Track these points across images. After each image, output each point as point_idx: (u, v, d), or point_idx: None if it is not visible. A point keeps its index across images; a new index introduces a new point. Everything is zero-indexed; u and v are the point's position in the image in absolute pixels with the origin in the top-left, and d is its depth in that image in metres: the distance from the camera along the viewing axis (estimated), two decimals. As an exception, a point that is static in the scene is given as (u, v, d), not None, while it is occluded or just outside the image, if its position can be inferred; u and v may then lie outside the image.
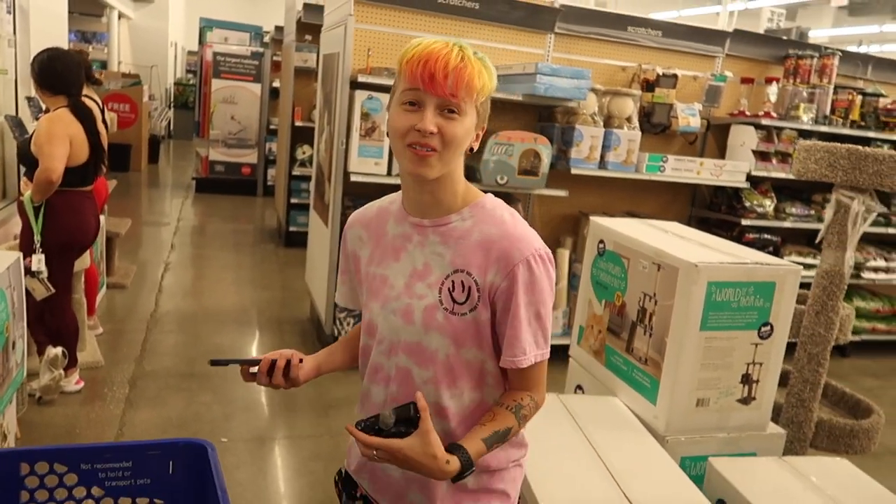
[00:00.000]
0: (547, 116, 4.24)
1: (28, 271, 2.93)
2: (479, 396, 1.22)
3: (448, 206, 1.18)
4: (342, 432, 3.08)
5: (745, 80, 4.63)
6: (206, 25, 9.93)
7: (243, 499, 2.70)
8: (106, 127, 3.58)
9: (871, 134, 4.78)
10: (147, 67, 13.30)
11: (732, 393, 2.12)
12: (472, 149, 1.17)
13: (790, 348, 2.26)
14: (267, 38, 10.03)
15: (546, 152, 3.87)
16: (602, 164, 4.08)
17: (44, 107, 3.35)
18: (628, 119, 4.16)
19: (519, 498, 1.33)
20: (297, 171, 6.65)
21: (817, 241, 2.45)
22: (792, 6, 16.34)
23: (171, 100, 14.59)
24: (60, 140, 3.00)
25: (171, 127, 14.53)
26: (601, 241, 2.43)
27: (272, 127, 8.78)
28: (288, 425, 3.30)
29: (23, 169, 3.38)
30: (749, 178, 4.42)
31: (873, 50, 14.59)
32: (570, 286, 4.20)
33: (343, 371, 1.40)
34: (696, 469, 2.07)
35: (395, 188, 1.30)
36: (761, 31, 8.77)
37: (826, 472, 2.00)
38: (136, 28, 14.68)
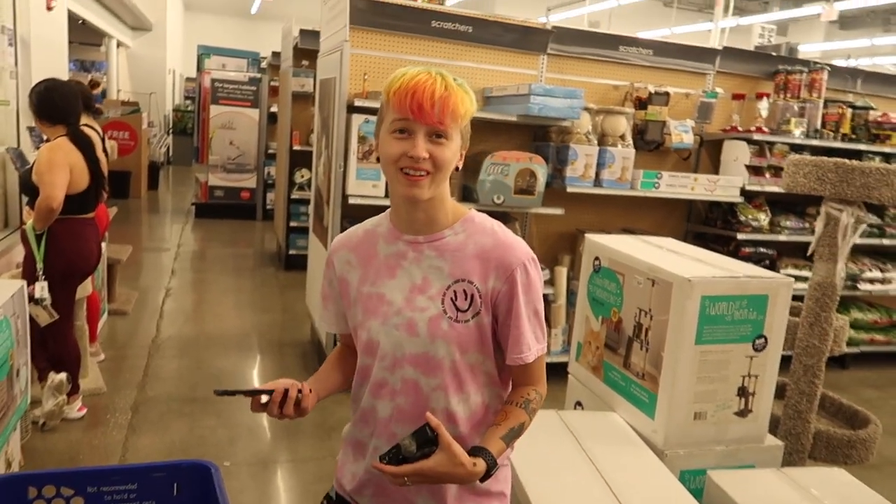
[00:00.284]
0: (542, 136, 4.30)
1: (31, 298, 2.96)
2: (482, 398, 1.30)
3: (441, 223, 1.27)
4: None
5: (736, 97, 4.70)
6: (204, 52, 10.06)
7: (247, 522, 2.71)
8: (106, 155, 3.64)
9: (862, 147, 4.84)
10: (146, 95, 13.44)
11: (729, 406, 2.14)
12: (457, 168, 1.24)
13: (786, 361, 2.29)
14: (264, 64, 10.15)
15: (541, 171, 3.92)
16: (597, 181, 4.13)
17: (45, 137, 3.41)
18: (622, 137, 4.21)
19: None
20: (295, 195, 6.70)
21: (808, 253, 2.48)
22: (783, 22, 16.53)
23: (170, 126, 14.71)
24: (60, 168, 3.06)
25: (171, 153, 14.64)
26: (596, 258, 2.46)
27: (271, 151, 8.85)
28: (291, 449, 3.31)
29: (25, 199, 3.43)
30: (743, 192, 4.46)
31: (865, 63, 14.73)
32: (568, 303, 4.22)
33: (345, 393, 1.42)
34: (695, 482, 2.08)
35: (393, 209, 1.34)
36: (753, 48, 8.89)
37: (824, 483, 2.02)
38: (134, 56, 14.84)
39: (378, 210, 1.39)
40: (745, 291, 2.07)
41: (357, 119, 3.69)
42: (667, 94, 4.34)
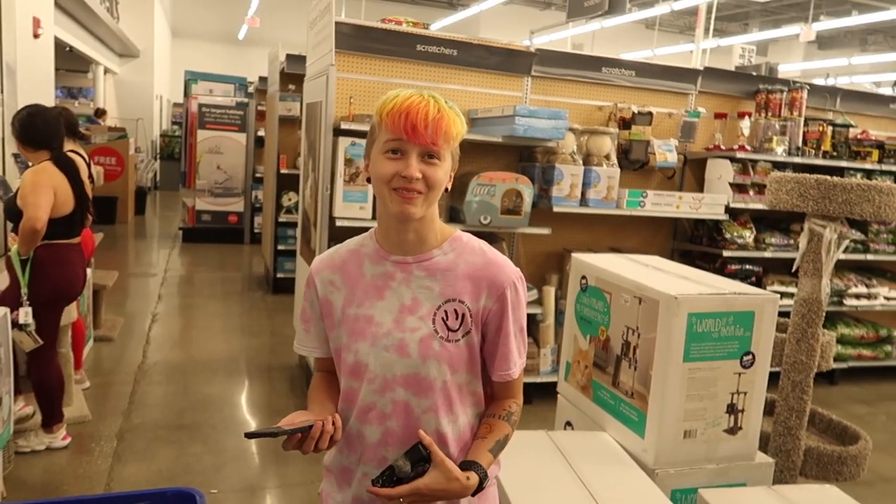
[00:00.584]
0: (527, 156, 4.33)
1: (15, 324, 2.93)
2: (468, 418, 1.30)
3: (430, 243, 1.28)
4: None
5: (718, 116, 4.76)
6: (191, 78, 10.07)
7: (234, 551, 2.66)
8: (92, 181, 3.63)
9: (843, 163, 4.91)
10: (133, 120, 13.43)
11: (719, 423, 2.14)
12: (446, 189, 1.25)
13: (774, 377, 2.29)
14: (251, 89, 10.19)
15: (528, 191, 3.94)
16: (583, 201, 4.16)
17: (29, 163, 3.40)
18: (607, 156, 4.25)
19: None
20: (283, 218, 6.70)
21: (793, 269, 2.50)
22: (763, 42, 16.84)
23: (158, 151, 14.68)
24: (44, 190, 3.05)
25: (158, 178, 14.60)
26: (583, 277, 2.47)
27: (258, 175, 8.85)
28: (279, 474, 3.27)
29: (10, 226, 3.40)
30: (728, 210, 4.50)
31: (843, 82, 15.00)
32: (556, 323, 4.22)
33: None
34: (686, 501, 2.07)
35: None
36: (733, 68, 9.03)
37: (816, 501, 2.02)
38: (121, 82, 14.86)
39: (365, 232, 1.38)
40: (731, 308, 2.08)
41: (343, 142, 3.71)
42: (650, 113, 4.39)
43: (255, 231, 9.06)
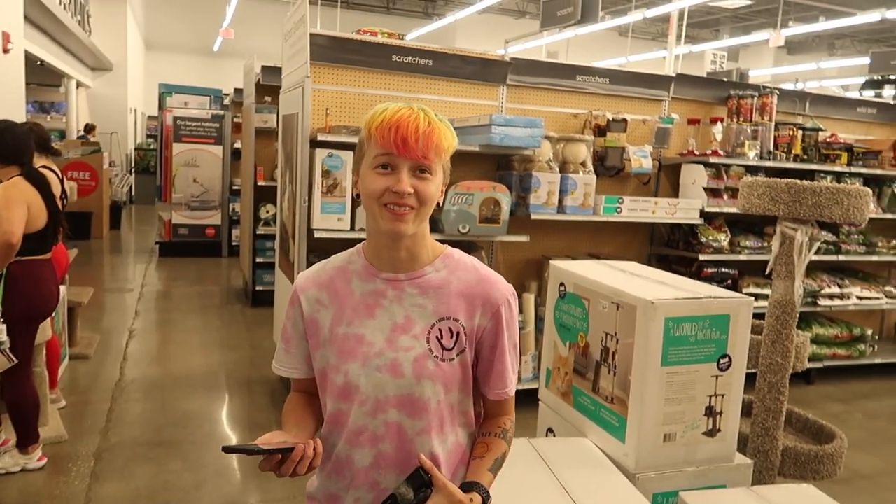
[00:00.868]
0: (505, 165, 4.36)
1: (-12, 345, 2.88)
2: (457, 437, 1.28)
3: (422, 260, 1.24)
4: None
5: (691, 121, 4.83)
6: (166, 91, 10.02)
7: (217, 568, 2.63)
8: (65, 196, 3.58)
9: (814, 166, 5.00)
10: (107, 134, 13.28)
11: (698, 426, 2.16)
12: (438, 203, 1.22)
13: (751, 378, 2.32)
14: (227, 101, 10.14)
15: (505, 200, 3.96)
16: (561, 208, 4.19)
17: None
18: (583, 163, 4.29)
19: None
20: (261, 231, 6.66)
21: (766, 272, 2.54)
22: (734, 48, 17.12)
23: (133, 165, 14.54)
24: (18, 204, 3.02)
25: (133, 192, 14.45)
26: (562, 284, 2.49)
27: (235, 187, 8.80)
28: (261, 489, 3.24)
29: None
30: (703, 214, 4.56)
31: (812, 86, 15.29)
32: (536, 330, 4.24)
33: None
34: (667, 504, 2.09)
35: (359, 242, 1.32)
36: (705, 74, 9.16)
37: (793, 500, 2.04)
38: (94, 96, 14.70)
39: (344, 243, 1.37)
40: (707, 312, 2.11)
41: (320, 153, 3.70)
42: (624, 120, 4.45)
43: (233, 244, 8.99)
